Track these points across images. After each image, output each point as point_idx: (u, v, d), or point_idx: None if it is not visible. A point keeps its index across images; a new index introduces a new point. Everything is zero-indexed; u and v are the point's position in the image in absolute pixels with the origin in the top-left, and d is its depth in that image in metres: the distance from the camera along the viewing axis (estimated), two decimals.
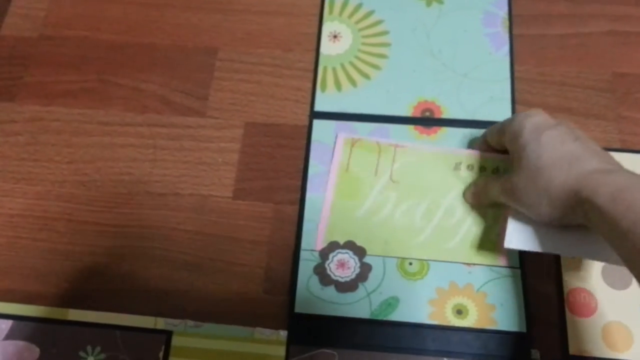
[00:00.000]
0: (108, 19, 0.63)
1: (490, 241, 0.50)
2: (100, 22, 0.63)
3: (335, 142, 0.54)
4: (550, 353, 0.48)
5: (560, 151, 0.41)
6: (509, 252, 0.50)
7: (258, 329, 0.49)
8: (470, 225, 0.51)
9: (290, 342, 0.49)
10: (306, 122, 0.57)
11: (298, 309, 0.49)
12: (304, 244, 0.51)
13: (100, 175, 0.56)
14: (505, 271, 0.50)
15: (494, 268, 0.50)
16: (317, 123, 0.57)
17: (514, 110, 0.56)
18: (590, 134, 0.55)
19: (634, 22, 0.60)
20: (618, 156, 0.42)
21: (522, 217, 0.45)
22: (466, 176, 0.52)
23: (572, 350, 0.48)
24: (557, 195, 0.40)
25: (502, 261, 0.50)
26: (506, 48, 0.58)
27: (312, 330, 0.49)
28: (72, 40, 0.62)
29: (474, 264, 0.50)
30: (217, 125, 0.58)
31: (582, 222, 0.40)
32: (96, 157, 0.57)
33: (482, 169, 0.52)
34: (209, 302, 0.51)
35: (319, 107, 0.57)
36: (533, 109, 0.46)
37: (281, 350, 0.48)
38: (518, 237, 0.45)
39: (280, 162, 0.56)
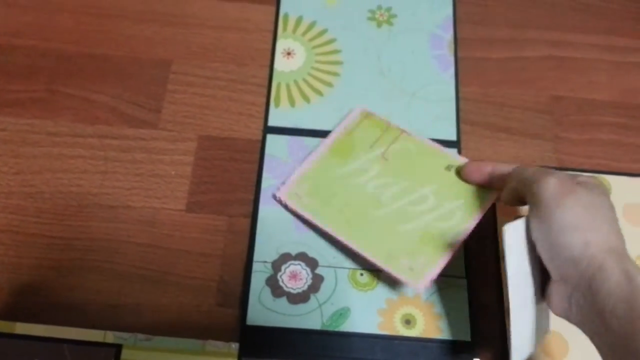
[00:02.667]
0: (59, 28, 0.62)
1: (442, 245, 0.52)
2: (51, 32, 0.62)
3: (351, 112, 0.56)
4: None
5: (582, 215, 0.39)
6: (455, 261, 0.52)
7: (210, 341, 0.49)
8: (430, 220, 0.51)
9: (242, 355, 0.49)
10: (260, 137, 0.58)
11: (250, 321, 0.49)
12: (256, 255, 0.52)
13: (48, 187, 0.55)
14: (452, 281, 0.51)
15: (441, 277, 0.52)
16: (270, 138, 0.58)
17: (458, 130, 0.58)
18: (528, 152, 0.58)
19: (571, 48, 0.64)
20: None
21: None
22: (453, 178, 0.53)
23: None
24: (572, 253, 0.39)
25: (448, 270, 0.52)
26: (452, 70, 0.61)
27: (264, 342, 0.49)
28: (21, 49, 0.61)
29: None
30: (170, 138, 0.58)
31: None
32: (44, 169, 0.56)
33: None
34: (160, 315, 0.50)
35: (272, 122, 0.58)
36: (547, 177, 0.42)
37: None
38: (517, 236, 0.43)
39: (234, 176, 0.56)
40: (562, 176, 0.42)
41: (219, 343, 0.49)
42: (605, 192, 0.43)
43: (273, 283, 0.51)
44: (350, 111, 0.57)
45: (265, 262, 0.52)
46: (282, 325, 0.50)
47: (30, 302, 0.50)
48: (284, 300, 0.50)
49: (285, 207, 0.53)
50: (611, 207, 0.42)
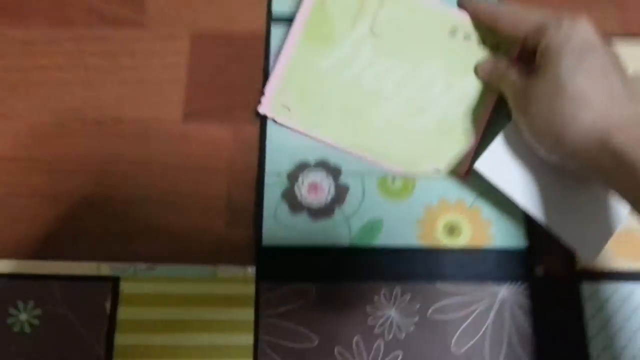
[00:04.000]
0: None
1: (465, 134, 0.43)
2: None
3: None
4: (556, 269, 0.42)
5: (600, 83, 0.35)
6: None
7: (221, 266, 0.42)
8: (445, 107, 0.43)
9: (259, 279, 0.42)
10: (264, 28, 0.49)
11: (266, 241, 0.42)
12: (268, 166, 0.44)
13: (23, 104, 0.47)
14: None
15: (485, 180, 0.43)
16: (276, 27, 0.48)
17: None
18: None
19: None
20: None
21: (515, 141, 0.38)
22: (461, 46, 0.44)
23: (580, 264, 0.42)
24: (578, 133, 0.34)
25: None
26: None
27: (283, 264, 0.42)
28: None
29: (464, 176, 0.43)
30: (159, 37, 0.49)
31: (590, 174, 0.35)
32: (17, 83, 0.48)
33: (481, 41, 0.44)
34: (162, 242, 0.43)
35: (277, 8, 0.49)
36: (582, 17, 0.38)
37: (250, 289, 0.42)
38: (496, 162, 0.39)
39: (236, 77, 0.48)
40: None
41: (233, 268, 0.42)
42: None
43: (290, 197, 0.43)
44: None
45: (280, 173, 0.44)
46: (304, 243, 0.42)
47: (10, 235, 0.44)
48: (304, 215, 0.43)
49: (274, 122, 0.44)
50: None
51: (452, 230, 0.42)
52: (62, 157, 0.46)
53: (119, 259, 0.43)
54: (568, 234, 0.39)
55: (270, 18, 0.49)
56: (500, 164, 0.39)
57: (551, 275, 0.42)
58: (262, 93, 0.46)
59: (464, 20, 0.44)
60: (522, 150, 0.39)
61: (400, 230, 0.42)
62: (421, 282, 0.42)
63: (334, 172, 0.43)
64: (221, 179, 0.45)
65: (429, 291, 0.42)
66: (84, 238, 0.43)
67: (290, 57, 0.44)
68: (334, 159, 0.44)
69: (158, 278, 0.42)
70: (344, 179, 0.43)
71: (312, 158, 0.44)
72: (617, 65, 0.36)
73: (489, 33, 0.44)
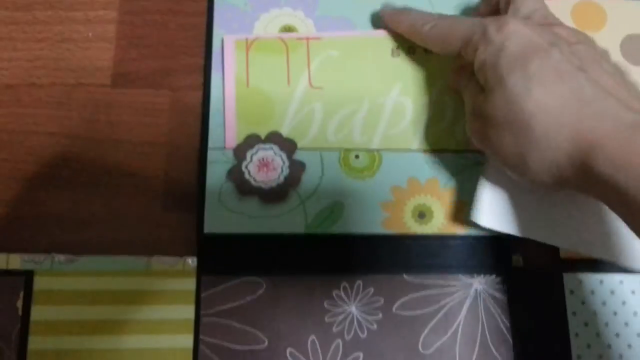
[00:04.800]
0: None
1: (458, 124, 0.38)
2: None
3: (222, 48, 0.39)
4: (537, 258, 0.38)
5: (559, 90, 0.28)
6: None
7: (156, 257, 0.36)
8: (430, 120, 0.38)
9: (201, 272, 0.36)
10: None
11: (209, 228, 0.36)
12: (212, 141, 0.38)
13: None
14: (479, 157, 0.38)
15: (464, 155, 0.38)
16: None
17: None
18: None
19: None
20: None
21: (499, 178, 0.34)
22: (408, 62, 0.39)
23: (564, 253, 0.37)
24: (548, 161, 0.28)
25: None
26: None
27: (229, 255, 0.36)
28: None
29: (438, 151, 0.38)
30: None
31: (582, 190, 0.29)
32: None
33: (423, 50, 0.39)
34: (85, 229, 0.37)
35: None
36: (508, 18, 0.31)
37: (189, 283, 0.36)
38: (490, 207, 0.35)
39: (175, 34, 0.41)
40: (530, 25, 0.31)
41: (170, 259, 0.36)
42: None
43: (237, 176, 0.37)
44: (220, 46, 0.40)
45: (225, 148, 0.37)
46: (253, 231, 0.36)
47: None
48: (253, 199, 0.37)
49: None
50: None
51: (422, 215, 0.37)
52: None
53: (33, 250, 0.36)
54: (597, 249, 0.34)
55: None
56: (496, 207, 0.34)
57: (531, 266, 0.37)
58: (207, 52, 0.40)
59: (397, 37, 0.39)
60: (508, 189, 0.34)
61: (364, 215, 0.37)
62: (386, 274, 0.37)
63: (288, 146, 0.37)
64: (157, 154, 0.39)
65: (395, 284, 0.37)
66: None
67: (235, 99, 0.39)
68: (287, 130, 0.38)
69: (80, 272, 0.36)
70: (300, 154, 0.37)
71: (262, 131, 0.38)
72: (571, 58, 0.29)
73: None
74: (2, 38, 0.40)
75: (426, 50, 0.39)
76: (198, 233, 0.37)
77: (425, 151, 0.38)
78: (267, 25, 0.41)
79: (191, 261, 0.36)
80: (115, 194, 0.38)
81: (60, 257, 0.36)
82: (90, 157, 0.38)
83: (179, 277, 0.36)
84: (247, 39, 0.40)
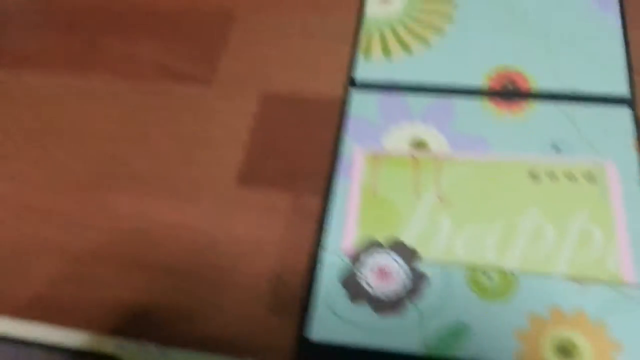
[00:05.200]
0: None
1: (610, 255, 0.33)
2: None
3: (352, 160, 0.38)
4: None
5: None
6: None
7: None
8: (577, 246, 0.34)
9: None
10: (341, 94, 0.43)
11: (313, 333, 0.32)
12: (329, 244, 0.35)
13: (63, 151, 0.42)
14: (637, 292, 0.32)
15: (619, 288, 0.32)
16: (356, 95, 0.42)
17: (631, 81, 0.40)
18: None
19: None
20: None
21: None
22: (549, 187, 0.36)
23: None
24: None
25: (631, 276, 0.32)
26: (615, 6, 0.43)
27: None
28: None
29: (588, 280, 0.32)
30: (226, 96, 0.44)
31: None
32: (64, 130, 0.43)
33: (569, 176, 0.36)
34: (183, 324, 0.34)
35: (360, 75, 0.43)
36: None
37: None
38: None
39: (304, 142, 0.41)
40: None
41: None
42: None
43: (351, 282, 0.33)
44: (350, 161, 0.39)
45: (342, 253, 0.35)
46: (363, 343, 0.32)
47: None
48: (366, 307, 0.33)
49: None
50: None
51: (565, 351, 0.31)
52: (98, 223, 0.39)
53: (127, 334, 0.34)
54: None
55: (351, 83, 0.43)
56: None
57: None
58: (331, 165, 0.39)
59: (539, 159, 0.37)
60: None
61: (494, 342, 0.31)
62: None
63: (411, 256, 0.34)
64: (270, 254, 0.37)
65: None
66: (89, 303, 0.35)
67: (361, 201, 0.38)
68: (410, 239, 0.35)
69: None
70: (423, 266, 0.34)
71: (382, 237, 0.35)
72: None
73: (577, 166, 0.36)
74: (146, 134, 0.42)
75: (568, 177, 0.36)
76: (299, 339, 0.33)
77: (571, 279, 0.33)
78: (398, 138, 0.40)
79: None
80: (218, 291, 0.36)
81: (151, 347, 0.33)
82: (201, 250, 0.37)
83: None
84: (376, 154, 0.39)
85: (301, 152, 0.41)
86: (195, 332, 0.34)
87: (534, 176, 0.37)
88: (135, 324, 0.34)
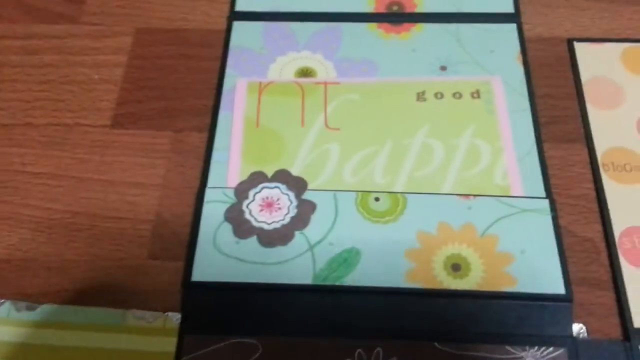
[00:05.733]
0: None
1: (497, 168, 0.33)
2: None
3: (234, 92, 0.36)
4: (602, 328, 0.29)
5: None
6: (529, 177, 0.32)
7: (133, 310, 0.30)
8: (465, 163, 0.33)
9: (184, 330, 0.29)
10: (223, 26, 0.40)
11: (198, 275, 0.30)
12: (212, 180, 0.33)
13: None
14: (524, 203, 0.31)
15: (505, 200, 0.32)
16: (238, 25, 0.39)
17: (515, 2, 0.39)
18: (625, 23, 0.39)
19: None
20: None
21: None
22: (436, 106, 0.35)
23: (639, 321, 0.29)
24: None
25: (518, 189, 0.32)
26: None
27: (220, 310, 0.30)
28: None
29: (475, 196, 0.32)
30: (96, 34, 0.40)
31: None
32: None
33: (456, 94, 0.36)
34: (60, 275, 0.32)
35: (241, 6, 0.40)
36: None
37: (169, 344, 0.29)
38: None
39: (185, 78, 0.38)
40: None
41: (149, 313, 0.30)
42: None
43: (236, 216, 0.31)
44: (232, 93, 0.37)
45: (226, 188, 0.32)
46: (251, 280, 0.30)
47: None
48: (253, 241, 0.31)
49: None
50: None
51: (456, 267, 0.30)
52: None
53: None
54: None
55: (232, 15, 0.40)
56: None
57: (595, 336, 0.29)
58: (215, 100, 0.36)
59: (427, 80, 0.36)
60: None
61: (384, 265, 0.30)
62: (412, 341, 0.29)
63: (298, 185, 0.32)
64: (151, 197, 0.34)
65: (424, 354, 0.29)
66: None
67: (243, 136, 0.35)
68: (298, 170, 0.33)
69: (41, 323, 0.29)
70: (310, 194, 0.32)
71: (269, 169, 0.33)
72: None
73: (464, 84, 0.35)
74: (3, 80, 0.38)
75: (455, 95, 0.35)
76: (184, 281, 0.30)
77: (458, 195, 0.32)
78: (283, 68, 0.37)
79: (173, 317, 0.30)
80: (96, 239, 0.33)
81: (20, 304, 0.30)
82: (76, 198, 0.34)
83: (158, 336, 0.29)
84: (260, 83, 0.37)
85: (182, 88, 0.38)
86: (65, 286, 0.31)
87: (421, 97, 0.36)
88: (10, 280, 0.31)
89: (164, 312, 0.30)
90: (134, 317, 0.30)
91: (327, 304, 0.30)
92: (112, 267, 0.32)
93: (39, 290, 0.31)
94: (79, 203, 0.34)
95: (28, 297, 0.31)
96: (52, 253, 0.32)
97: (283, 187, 0.32)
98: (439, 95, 0.36)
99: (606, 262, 0.31)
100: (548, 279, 0.30)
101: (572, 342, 0.29)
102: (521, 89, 0.36)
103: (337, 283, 0.30)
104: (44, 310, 0.30)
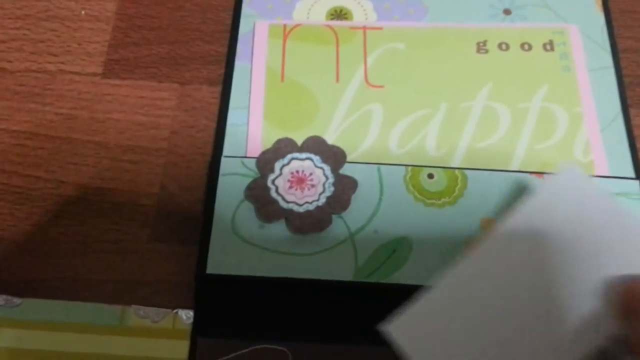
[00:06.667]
0: None
1: (577, 135, 0.27)
2: None
3: (254, 35, 0.29)
4: None
5: None
6: (615, 152, 0.26)
7: (134, 307, 0.24)
8: (536, 132, 0.27)
9: (197, 332, 0.24)
10: None
11: (214, 266, 0.24)
12: (228, 148, 0.27)
13: None
14: (611, 184, 0.26)
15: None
16: None
17: None
18: None
19: None
20: None
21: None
22: (499, 59, 0.29)
23: None
24: None
25: (602, 167, 0.26)
26: None
27: (241, 309, 0.24)
28: None
29: (550, 174, 0.26)
30: None
31: None
32: None
33: (524, 45, 0.29)
34: (43, 260, 0.26)
35: None
36: None
37: (180, 349, 0.24)
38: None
39: (192, 16, 0.31)
40: None
41: (153, 311, 0.24)
42: None
43: (259, 193, 0.25)
44: (249, 38, 0.30)
45: (245, 157, 0.26)
46: (277, 274, 0.24)
47: None
48: (280, 225, 0.25)
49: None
50: None
51: None
52: None
53: None
54: None
55: None
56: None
57: None
58: (229, 46, 0.30)
59: (488, 27, 0.30)
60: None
61: (441, 258, 0.25)
62: None
63: (334, 157, 0.26)
64: (153, 164, 0.28)
65: None
66: None
67: (265, 99, 0.28)
68: (333, 137, 0.27)
69: (24, 322, 0.24)
70: (349, 167, 0.26)
71: (299, 136, 0.27)
72: None
73: (534, 32, 0.30)
74: None
75: (523, 47, 0.29)
76: (197, 274, 0.25)
77: (530, 173, 0.26)
78: (312, 7, 0.31)
79: (185, 316, 0.25)
80: (84, 215, 0.27)
81: (0, 299, 0.24)
82: (59, 161, 0.28)
83: (166, 339, 0.24)
84: (285, 25, 0.30)
85: (188, 29, 0.31)
86: (57, 274, 0.26)
87: (482, 47, 0.29)
88: None
89: (173, 309, 0.25)
90: (135, 315, 0.25)
91: (371, 306, 0.24)
92: (108, 251, 0.26)
93: (18, 279, 0.25)
94: (65, 170, 0.28)
95: (6, 289, 0.25)
96: (34, 232, 0.26)
97: (316, 158, 0.26)
98: (503, 46, 0.29)
99: None
100: None
101: None
102: (602, 42, 0.29)
103: (384, 280, 0.24)
104: (27, 306, 0.24)
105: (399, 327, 0.22)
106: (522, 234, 0.22)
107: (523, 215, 0.22)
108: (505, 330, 0.21)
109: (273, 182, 0.26)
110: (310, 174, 0.26)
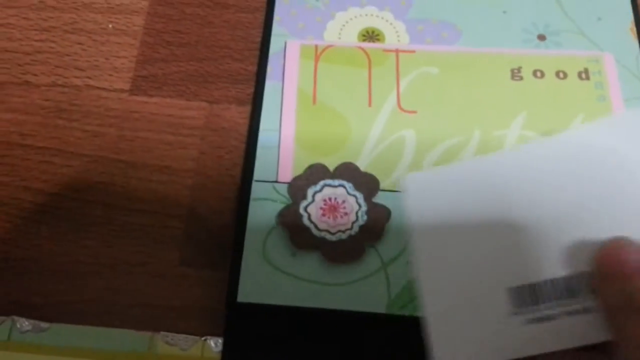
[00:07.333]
0: None
1: None
2: None
3: (285, 54, 0.28)
4: None
5: None
6: None
7: (163, 334, 0.24)
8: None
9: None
10: None
11: (245, 294, 0.24)
12: (259, 172, 0.26)
13: None
14: None
15: None
16: None
17: None
18: None
19: None
20: None
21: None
22: (534, 87, 0.29)
23: None
24: None
25: None
26: None
27: (272, 339, 0.24)
28: None
29: None
30: None
31: None
32: None
33: (559, 73, 0.28)
34: (69, 282, 0.25)
35: None
36: None
37: None
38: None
39: (221, 33, 0.31)
40: None
41: (182, 338, 0.24)
42: None
43: (292, 221, 0.25)
44: (281, 57, 0.30)
45: (277, 182, 0.26)
46: (309, 304, 0.24)
47: None
48: (314, 255, 0.24)
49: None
50: None
51: None
52: None
53: None
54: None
55: None
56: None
57: None
58: (261, 57, 0.29)
59: (521, 55, 0.29)
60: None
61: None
62: None
63: (367, 184, 0.26)
64: (181, 186, 0.27)
65: None
66: None
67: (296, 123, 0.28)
68: (365, 163, 0.27)
69: (48, 348, 0.23)
70: (384, 195, 0.26)
71: (331, 162, 0.26)
72: None
73: (569, 60, 0.29)
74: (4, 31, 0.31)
75: (558, 74, 0.28)
76: (228, 302, 0.24)
77: None
78: (344, 27, 0.30)
79: (214, 344, 0.24)
80: (113, 238, 0.26)
81: (25, 323, 0.24)
82: (89, 184, 0.27)
83: None
84: (317, 46, 0.29)
85: (217, 46, 0.31)
86: (75, 299, 0.25)
87: (516, 74, 0.29)
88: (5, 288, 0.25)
89: (201, 336, 0.25)
90: (163, 342, 0.24)
91: (404, 339, 0.24)
92: (135, 274, 0.26)
93: (43, 301, 0.25)
94: (91, 189, 0.27)
95: (30, 313, 0.25)
96: (59, 253, 0.26)
97: (349, 185, 0.26)
98: (538, 74, 0.29)
99: None
100: None
101: None
102: (636, 70, 0.29)
103: (417, 314, 0.24)
104: (54, 331, 0.24)
105: (414, 181, 0.21)
106: (573, 150, 0.21)
107: (582, 133, 0.21)
108: (512, 232, 0.20)
109: (305, 209, 0.25)
110: (343, 202, 0.26)
